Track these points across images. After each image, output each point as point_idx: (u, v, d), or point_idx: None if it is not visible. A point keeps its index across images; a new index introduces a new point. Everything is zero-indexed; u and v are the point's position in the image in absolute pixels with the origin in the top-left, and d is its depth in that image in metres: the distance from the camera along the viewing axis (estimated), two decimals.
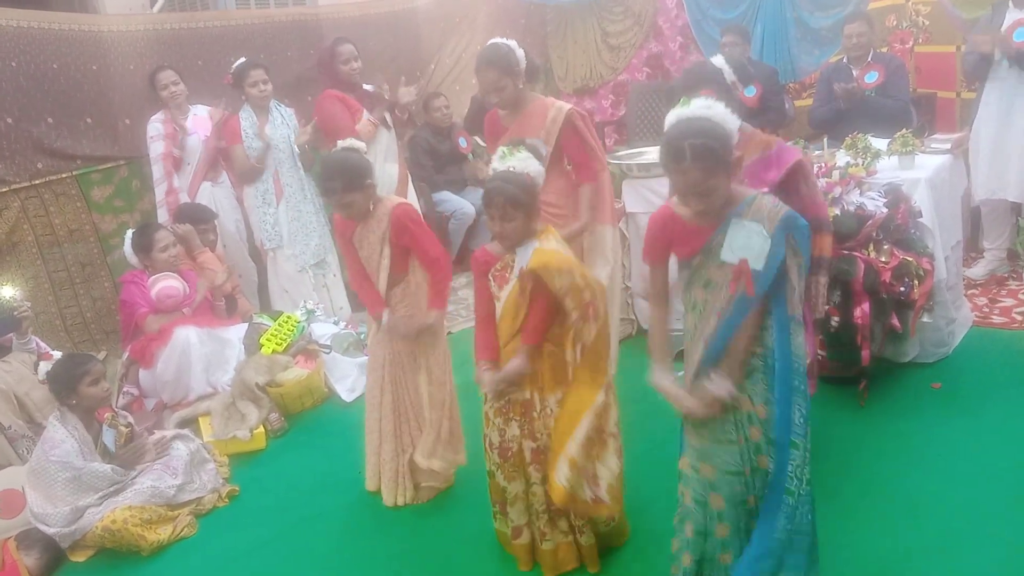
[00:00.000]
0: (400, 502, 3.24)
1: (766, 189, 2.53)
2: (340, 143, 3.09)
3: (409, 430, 3.23)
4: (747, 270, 2.09)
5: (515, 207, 2.42)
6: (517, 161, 2.47)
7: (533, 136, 3.33)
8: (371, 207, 3.04)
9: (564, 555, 2.67)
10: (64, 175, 4.64)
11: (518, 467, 2.62)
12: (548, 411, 2.55)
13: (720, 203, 2.13)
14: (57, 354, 3.94)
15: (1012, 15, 4.37)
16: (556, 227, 3.45)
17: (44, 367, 3.69)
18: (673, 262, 2.32)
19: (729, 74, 2.92)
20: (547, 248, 2.47)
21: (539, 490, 2.60)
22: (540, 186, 2.53)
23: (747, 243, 2.09)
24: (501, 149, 2.54)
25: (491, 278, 2.61)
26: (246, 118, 4.80)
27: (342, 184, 2.93)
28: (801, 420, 2.15)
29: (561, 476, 2.42)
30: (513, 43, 3.34)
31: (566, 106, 3.38)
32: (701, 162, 2.02)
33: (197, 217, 4.61)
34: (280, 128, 4.85)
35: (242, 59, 4.83)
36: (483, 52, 3.36)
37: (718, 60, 3.01)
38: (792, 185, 2.76)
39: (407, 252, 3.09)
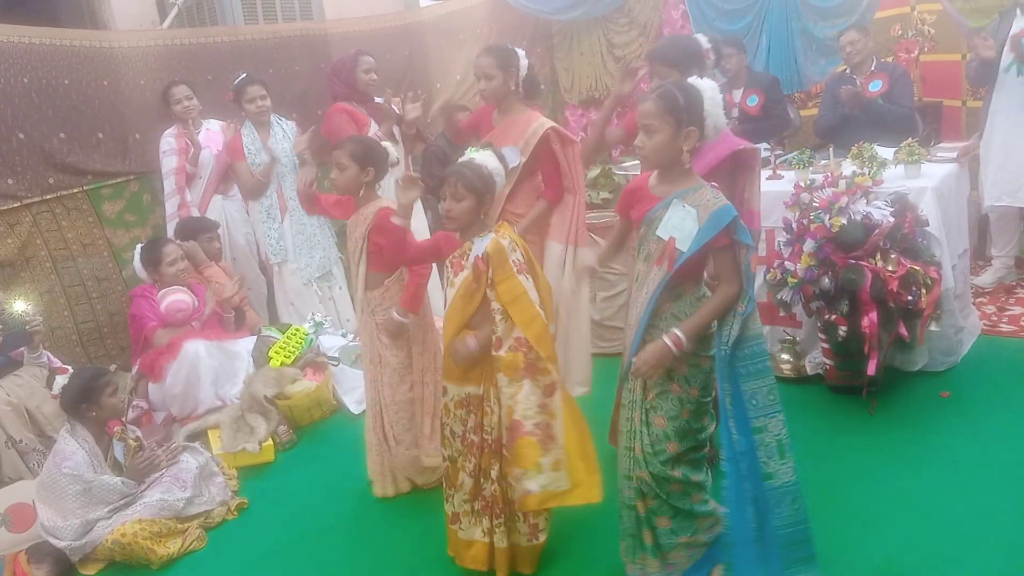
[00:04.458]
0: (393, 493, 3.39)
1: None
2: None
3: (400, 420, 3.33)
4: (672, 249, 2.27)
5: (467, 188, 2.59)
6: (479, 156, 2.68)
7: (512, 142, 3.43)
8: (360, 192, 3.17)
9: (477, 552, 2.77)
10: (75, 190, 4.68)
11: (475, 456, 2.72)
12: (494, 407, 2.64)
13: (664, 143, 2.27)
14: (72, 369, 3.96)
15: (1020, 22, 4.35)
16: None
17: (60, 381, 3.70)
18: None
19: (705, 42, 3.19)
20: (501, 240, 2.63)
21: (488, 484, 2.70)
22: (497, 181, 2.68)
23: (680, 224, 2.28)
24: (470, 148, 2.72)
25: (448, 264, 2.73)
26: (248, 134, 4.84)
27: (362, 148, 3.14)
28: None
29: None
30: (522, 52, 3.45)
31: (548, 124, 3.45)
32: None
33: (199, 228, 4.63)
34: (282, 142, 4.88)
35: (242, 75, 4.86)
36: (488, 44, 3.44)
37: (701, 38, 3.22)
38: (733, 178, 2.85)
39: (382, 253, 3.16)
